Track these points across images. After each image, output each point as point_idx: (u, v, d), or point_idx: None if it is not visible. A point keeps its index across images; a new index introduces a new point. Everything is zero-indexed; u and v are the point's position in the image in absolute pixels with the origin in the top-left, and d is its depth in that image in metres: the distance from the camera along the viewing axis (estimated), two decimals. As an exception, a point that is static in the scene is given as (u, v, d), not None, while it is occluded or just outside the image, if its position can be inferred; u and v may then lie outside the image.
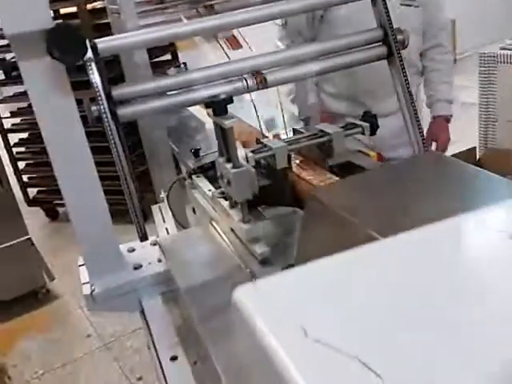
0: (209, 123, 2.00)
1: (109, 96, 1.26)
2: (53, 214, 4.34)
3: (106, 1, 1.90)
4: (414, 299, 0.49)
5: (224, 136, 1.08)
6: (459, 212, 0.59)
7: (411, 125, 1.40)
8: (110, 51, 1.30)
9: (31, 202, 4.24)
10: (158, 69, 3.18)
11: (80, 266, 1.41)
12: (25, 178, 4.22)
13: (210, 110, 1.11)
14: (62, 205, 4.24)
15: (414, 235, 0.57)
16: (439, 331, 0.45)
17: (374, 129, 1.26)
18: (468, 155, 2.25)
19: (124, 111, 1.28)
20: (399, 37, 1.41)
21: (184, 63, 2.83)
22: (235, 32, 1.43)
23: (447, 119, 2.14)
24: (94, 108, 1.24)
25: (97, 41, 1.23)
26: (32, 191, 4.30)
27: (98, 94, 1.24)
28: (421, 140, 1.37)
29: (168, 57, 3.96)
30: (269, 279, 0.55)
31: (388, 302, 0.49)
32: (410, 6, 1.96)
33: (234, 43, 1.39)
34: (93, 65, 1.23)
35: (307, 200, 0.96)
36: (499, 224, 0.56)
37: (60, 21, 1.03)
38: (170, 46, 3.77)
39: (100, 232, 1.33)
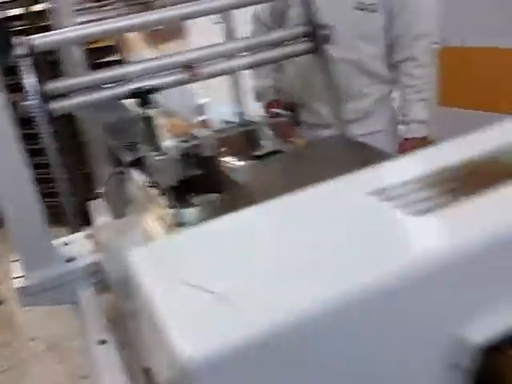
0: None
1: (44, 92, 1.28)
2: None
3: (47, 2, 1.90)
4: (281, 248, 0.55)
5: (147, 125, 1.12)
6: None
7: (337, 116, 1.48)
8: (46, 47, 1.31)
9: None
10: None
11: (12, 261, 1.41)
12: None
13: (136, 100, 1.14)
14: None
15: (289, 198, 0.64)
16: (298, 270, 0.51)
17: (296, 119, 1.32)
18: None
19: (57, 105, 1.31)
20: (323, 32, 1.49)
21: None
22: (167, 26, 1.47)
23: (420, 140, 1.94)
24: (26, 103, 1.26)
25: (33, 37, 1.25)
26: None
27: (30, 89, 1.26)
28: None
29: (117, 57, 3.95)
30: (161, 241, 0.60)
31: (261, 250, 0.55)
32: (363, 10, 1.82)
33: (166, 38, 1.44)
34: (26, 61, 1.25)
35: (224, 181, 1.01)
36: (362, 184, 0.63)
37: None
38: (118, 47, 3.77)
39: (32, 226, 1.33)
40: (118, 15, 1.67)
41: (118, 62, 3.74)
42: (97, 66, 1.91)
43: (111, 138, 1.86)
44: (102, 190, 1.73)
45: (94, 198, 2.00)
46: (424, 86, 1.95)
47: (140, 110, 1.17)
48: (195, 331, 0.45)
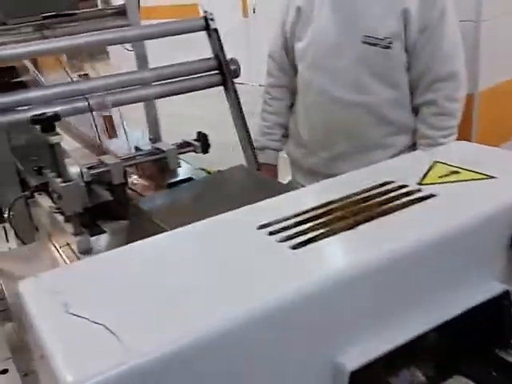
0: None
1: None
2: None
3: None
4: (170, 276, 0.60)
5: (52, 151, 1.13)
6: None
7: (244, 143, 1.55)
8: None
9: None
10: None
11: None
12: None
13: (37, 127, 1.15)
14: None
15: (187, 229, 0.69)
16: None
17: (205, 147, 1.38)
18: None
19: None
20: (232, 66, 1.57)
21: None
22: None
23: None
24: None
25: None
26: None
27: None
28: (252, 155, 1.53)
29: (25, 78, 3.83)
30: (51, 272, 0.63)
31: (149, 281, 0.60)
32: (373, 45, 1.53)
33: (78, 69, 1.45)
34: None
35: (131, 207, 1.04)
36: (254, 218, 0.69)
37: None
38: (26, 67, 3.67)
39: None
40: (25, 41, 1.66)
41: (22, 84, 3.64)
42: (3, 87, 1.87)
43: (19, 161, 1.83)
44: (7, 213, 1.69)
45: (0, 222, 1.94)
46: (445, 140, 1.58)
47: (44, 136, 1.18)
48: (79, 359, 0.49)
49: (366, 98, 1.59)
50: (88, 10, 1.79)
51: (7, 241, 1.65)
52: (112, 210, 1.35)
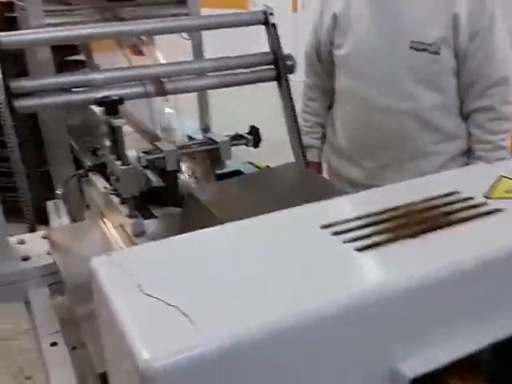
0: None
1: (6, 88, 1.29)
2: None
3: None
4: (237, 268, 0.62)
5: (113, 134, 1.17)
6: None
7: (293, 141, 1.56)
8: (13, 46, 1.33)
9: None
10: (71, 68, 3.16)
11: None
12: None
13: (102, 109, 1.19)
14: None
15: (250, 222, 0.71)
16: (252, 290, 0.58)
17: (257, 142, 1.40)
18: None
19: (21, 103, 1.33)
20: (288, 62, 1.58)
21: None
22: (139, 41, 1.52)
23: None
24: (-9, 99, 1.28)
25: (1, 34, 1.27)
26: None
27: (-5, 84, 1.28)
28: (301, 153, 1.54)
29: (82, 57, 3.92)
30: (126, 250, 0.66)
31: (219, 268, 0.62)
32: (422, 50, 1.49)
33: (135, 50, 1.49)
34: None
35: (186, 197, 1.07)
36: (316, 217, 0.71)
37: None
38: (85, 47, 3.75)
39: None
40: (85, 21, 1.71)
41: (82, 62, 3.74)
42: (60, 65, 1.93)
43: (74, 140, 1.89)
44: (60, 191, 1.75)
45: (53, 198, 2.01)
46: (500, 143, 1.58)
47: (104, 118, 1.22)
48: (154, 338, 0.51)
49: (411, 104, 1.57)
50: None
51: (59, 217, 1.70)
52: (162, 195, 1.39)
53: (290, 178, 1.11)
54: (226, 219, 0.90)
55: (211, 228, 0.72)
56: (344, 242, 0.65)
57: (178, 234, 1.26)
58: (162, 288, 0.58)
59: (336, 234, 0.67)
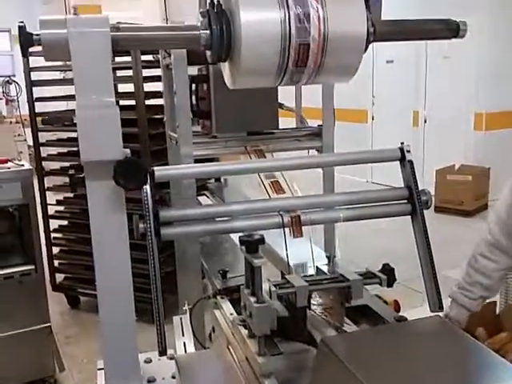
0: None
1: (156, 216, 1.41)
2: (74, 301, 4.43)
3: (166, 128, 2.14)
4: None
5: (252, 272, 1.19)
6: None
7: (428, 281, 1.48)
8: (165, 179, 1.48)
9: (56, 288, 4.35)
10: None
11: (99, 369, 1.48)
12: (56, 263, 4.37)
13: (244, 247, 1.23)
14: (85, 294, 4.34)
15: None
16: None
17: (390, 282, 1.35)
18: (487, 308, 2.27)
19: (167, 231, 1.43)
20: (423, 198, 1.55)
21: (225, 179, 3.06)
22: (279, 176, 1.60)
23: None
24: (141, 226, 1.39)
25: (155, 169, 1.41)
26: (59, 276, 4.43)
27: (146, 213, 1.40)
28: (437, 298, 1.45)
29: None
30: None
31: None
32: None
33: (278, 187, 1.56)
34: (147, 188, 1.40)
35: (319, 345, 1.04)
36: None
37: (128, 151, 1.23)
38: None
39: (124, 340, 1.41)
40: (228, 153, 1.85)
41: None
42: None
43: (204, 258, 1.97)
44: (187, 307, 1.81)
45: (176, 304, 2.07)
46: None
47: (245, 256, 1.26)
48: None
49: None
50: (286, 128, 1.94)
51: (182, 334, 1.75)
52: (288, 329, 1.37)
53: (431, 333, 1.04)
54: (361, 376, 0.86)
55: None
56: None
57: (305, 375, 1.23)
58: None
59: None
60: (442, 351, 0.91)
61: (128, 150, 1.29)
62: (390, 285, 1.36)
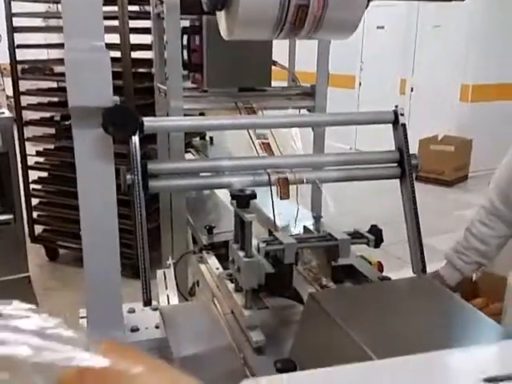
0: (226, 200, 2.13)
1: (144, 168, 1.39)
2: (53, 254, 4.41)
3: (155, 80, 2.08)
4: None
5: (242, 227, 1.19)
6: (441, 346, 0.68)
7: (413, 245, 1.50)
8: (154, 130, 1.45)
9: (35, 239, 4.32)
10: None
11: (81, 317, 1.48)
12: (34, 214, 4.32)
13: (234, 201, 1.22)
14: (64, 247, 4.32)
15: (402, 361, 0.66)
16: None
17: (377, 242, 1.36)
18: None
19: (155, 184, 1.41)
20: (413, 161, 1.56)
21: (211, 137, 3.02)
22: (270, 137, 1.58)
23: None
24: (128, 177, 1.37)
25: (144, 119, 1.38)
26: (38, 228, 4.39)
27: (134, 165, 1.38)
28: (420, 262, 1.47)
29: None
30: (269, 378, 0.64)
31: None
32: None
33: (267, 148, 1.54)
34: (135, 139, 1.37)
35: (307, 299, 1.05)
36: (475, 365, 0.64)
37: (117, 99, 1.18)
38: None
39: (108, 288, 1.40)
40: (218, 108, 1.82)
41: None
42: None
43: (190, 213, 1.96)
44: (171, 261, 1.81)
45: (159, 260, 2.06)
46: None
47: (236, 210, 1.25)
48: None
49: None
50: (279, 87, 1.91)
51: (166, 287, 1.75)
52: (274, 285, 1.38)
53: (418, 291, 1.06)
54: (349, 329, 0.87)
55: (356, 364, 0.67)
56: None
57: (291, 329, 1.25)
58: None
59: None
60: (428, 308, 0.93)
61: (117, 98, 1.25)
62: (377, 245, 1.37)
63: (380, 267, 1.65)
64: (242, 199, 1.17)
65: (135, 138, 1.35)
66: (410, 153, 1.55)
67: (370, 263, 1.61)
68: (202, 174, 1.50)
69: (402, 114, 1.54)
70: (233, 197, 1.20)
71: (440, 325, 0.83)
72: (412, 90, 7.03)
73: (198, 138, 3.05)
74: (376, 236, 1.37)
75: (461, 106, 6.62)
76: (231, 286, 1.32)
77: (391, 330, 0.85)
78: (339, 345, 0.89)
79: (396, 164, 1.57)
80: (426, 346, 0.66)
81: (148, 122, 1.39)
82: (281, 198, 1.46)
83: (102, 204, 1.28)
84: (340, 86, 7.35)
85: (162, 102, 1.89)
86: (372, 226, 1.40)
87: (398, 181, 1.55)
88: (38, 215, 4.38)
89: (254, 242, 1.31)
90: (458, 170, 6.34)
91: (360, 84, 7.93)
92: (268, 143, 1.51)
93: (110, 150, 1.25)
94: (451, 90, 6.63)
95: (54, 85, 4.25)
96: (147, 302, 1.40)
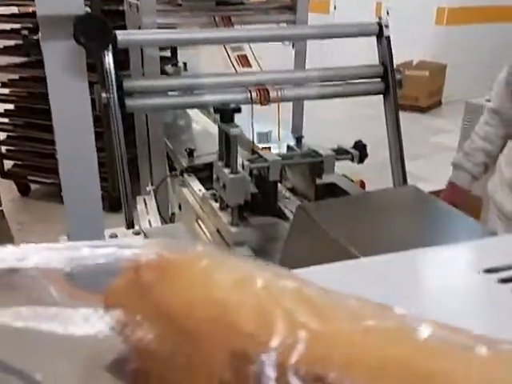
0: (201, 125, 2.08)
1: (119, 86, 1.31)
2: (24, 189, 4.31)
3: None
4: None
5: (228, 142, 1.15)
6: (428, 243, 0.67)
7: (396, 163, 1.50)
8: (128, 44, 1.35)
9: (5, 175, 4.19)
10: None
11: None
12: (3, 149, 4.17)
13: (217, 116, 1.18)
14: (36, 181, 4.21)
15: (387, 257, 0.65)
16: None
17: (362, 157, 1.35)
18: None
19: (132, 103, 1.34)
20: (397, 76, 1.52)
21: (184, 63, 2.89)
22: (247, 50, 1.51)
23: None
24: (103, 95, 1.30)
25: (117, 32, 1.29)
26: (8, 164, 4.25)
27: (109, 82, 1.30)
28: (402, 177, 1.47)
29: (167, 54, 4.00)
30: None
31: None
32: None
33: (244, 61, 1.47)
34: (109, 54, 1.28)
35: (296, 211, 1.04)
36: (475, 257, 0.65)
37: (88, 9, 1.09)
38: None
39: (90, 216, 1.37)
40: (194, 23, 1.72)
41: (169, 59, 3.80)
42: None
43: (168, 138, 1.90)
44: (151, 187, 1.78)
45: (138, 190, 2.03)
46: None
47: (220, 125, 1.21)
48: None
49: None
50: (258, 0, 1.81)
51: (147, 213, 1.73)
52: (259, 204, 1.37)
53: (406, 199, 1.06)
54: (338, 238, 0.87)
55: (344, 262, 0.67)
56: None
57: (277, 245, 1.25)
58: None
59: (504, 281, 0.61)
60: (416, 212, 0.93)
61: (88, 9, 1.16)
62: (361, 160, 1.36)
63: (362, 185, 1.65)
64: (227, 113, 1.13)
65: (109, 53, 1.27)
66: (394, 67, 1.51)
67: (352, 181, 1.60)
68: (180, 93, 1.44)
69: (387, 26, 1.48)
70: (216, 111, 1.15)
71: (427, 226, 0.83)
72: (388, 13, 6.84)
73: (169, 65, 2.92)
74: (360, 151, 1.35)
75: (436, 29, 6.50)
76: (216, 205, 1.30)
77: (381, 235, 0.84)
78: (328, 252, 0.89)
79: (380, 79, 1.53)
80: (416, 246, 0.66)
81: (121, 35, 1.30)
82: (261, 104, 1.41)
83: (77, 121, 1.22)
84: (314, 10, 7.10)
85: (134, 17, 1.77)
86: (356, 141, 1.38)
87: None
88: (7, 150, 4.23)
89: (239, 160, 1.28)
90: (433, 96, 6.32)
91: (335, 8, 7.67)
92: (245, 55, 1.45)
93: (82, 63, 1.17)
94: (426, 13, 6.48)
95: None
96: (130, 225, 1.38)
